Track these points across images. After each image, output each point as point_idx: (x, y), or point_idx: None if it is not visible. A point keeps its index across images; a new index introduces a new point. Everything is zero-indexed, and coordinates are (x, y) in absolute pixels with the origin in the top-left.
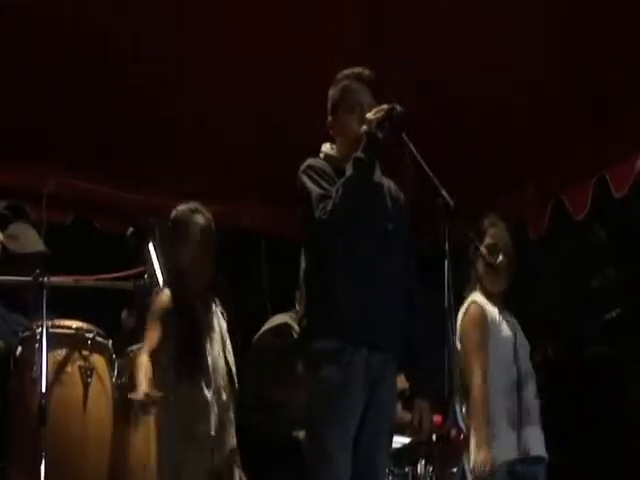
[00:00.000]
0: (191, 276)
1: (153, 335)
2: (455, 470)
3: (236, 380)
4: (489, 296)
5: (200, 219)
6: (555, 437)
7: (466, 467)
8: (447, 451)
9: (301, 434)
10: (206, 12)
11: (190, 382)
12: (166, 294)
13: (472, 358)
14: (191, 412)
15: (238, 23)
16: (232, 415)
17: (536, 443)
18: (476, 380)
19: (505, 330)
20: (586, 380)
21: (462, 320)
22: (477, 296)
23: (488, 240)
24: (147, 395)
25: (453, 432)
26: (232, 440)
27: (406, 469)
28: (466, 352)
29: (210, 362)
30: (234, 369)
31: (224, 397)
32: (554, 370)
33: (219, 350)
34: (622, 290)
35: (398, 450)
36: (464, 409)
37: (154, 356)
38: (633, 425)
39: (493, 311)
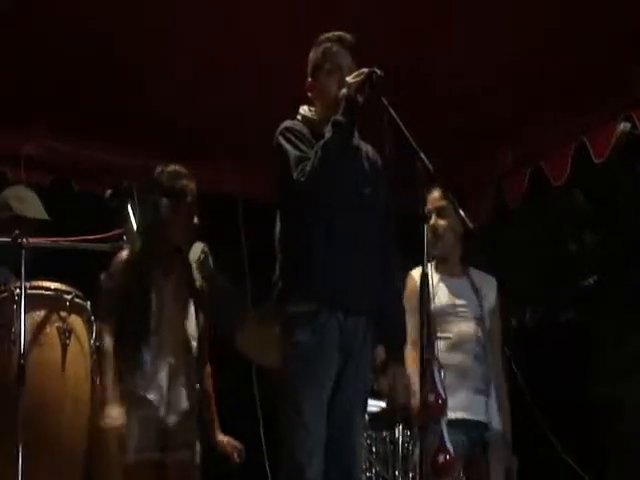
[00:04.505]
0: (168, 231)
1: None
2: (433, 435)
3: (194, 346)
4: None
5: (185, 181)
6: (527, 402)
7: (444, 431)
8: (425, 416)
9: None
10: None
11: (132, 345)
12: (123, 254)
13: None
14: (134, 377)
15: None
16: (184, 378)
17: (471, 407)
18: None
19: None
20: (560, 346)
21: None
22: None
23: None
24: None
25: (431, 397)
26: (183, 403)
27: (384, 433)
28: None
29: (153, 324)
30: (195, 335)
31: (173, 360)
32: (529, 335)
33: (175, 312)
34: (600, 256)
35: (376, 414)
36: (442, 374)
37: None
38: (604, 394)
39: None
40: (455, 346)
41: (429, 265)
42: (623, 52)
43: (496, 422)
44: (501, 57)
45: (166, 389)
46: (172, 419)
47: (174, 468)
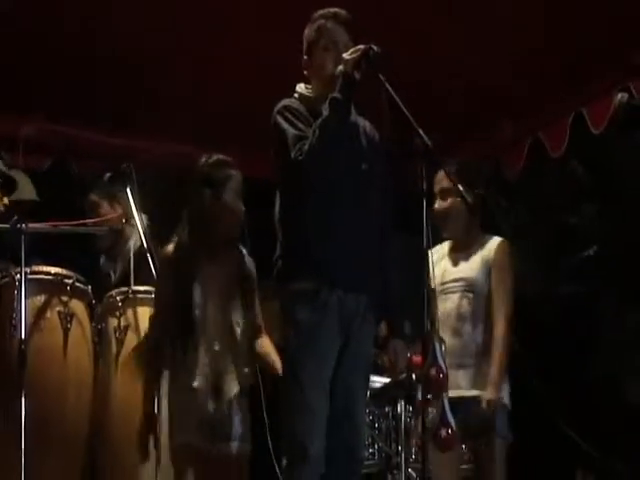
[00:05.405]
0: (212, 222)
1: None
2: (435, 409)
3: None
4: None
5: (228, 169)
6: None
7: (446, 405)
8: (427, 390)
9: None
10: None
11: (177, 337)
12: (170, 246)
13: None
14: (181, 368)
15: None
16: (231, 364)
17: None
18: None
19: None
20: (560, 318)
21: None
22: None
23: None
24: None
25: (432, 371)
26: (232, 388)
27: (386, 409)
28: None
29: (198, 314)
30: (241, 322)
31: (217, 347)
32: (529, 307)
33: (220, 302)
34: (599, 227)
35: (378, 390)
36: (444, 348)
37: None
38: (605, 366)
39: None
40: (441, 326)
41: (445, 245)
42: (620, 25)
43: (486, 393)
44: (501, 56)
45: (212, 377)
46: (215, 407)
47: (220, 460)
